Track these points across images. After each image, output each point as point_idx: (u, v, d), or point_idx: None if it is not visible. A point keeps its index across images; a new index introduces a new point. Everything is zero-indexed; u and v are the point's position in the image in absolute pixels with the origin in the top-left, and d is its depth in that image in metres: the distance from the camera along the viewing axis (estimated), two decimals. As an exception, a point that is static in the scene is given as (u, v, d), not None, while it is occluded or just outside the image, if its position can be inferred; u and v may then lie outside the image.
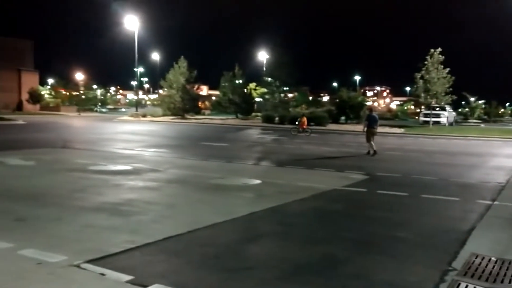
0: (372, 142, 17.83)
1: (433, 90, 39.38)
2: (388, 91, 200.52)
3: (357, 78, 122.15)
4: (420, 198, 9.17)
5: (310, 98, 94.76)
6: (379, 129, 35.63)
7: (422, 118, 47.09)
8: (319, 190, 9.59)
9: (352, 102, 45.98)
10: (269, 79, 53.73)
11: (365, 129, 18.29)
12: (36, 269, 4.63)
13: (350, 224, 7.08)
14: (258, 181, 10.48)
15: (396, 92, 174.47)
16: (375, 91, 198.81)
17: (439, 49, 38.83)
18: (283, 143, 22.74)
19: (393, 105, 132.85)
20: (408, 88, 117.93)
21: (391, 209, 8.24)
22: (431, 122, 41.70)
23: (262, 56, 65.26)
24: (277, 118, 43.56)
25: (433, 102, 41.15)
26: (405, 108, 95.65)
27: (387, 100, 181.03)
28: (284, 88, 53.96)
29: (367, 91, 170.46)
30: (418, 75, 39.77)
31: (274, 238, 6.22)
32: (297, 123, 30.93)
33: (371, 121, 18.42)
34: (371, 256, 5.49)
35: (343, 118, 46.17)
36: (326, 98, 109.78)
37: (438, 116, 44.66)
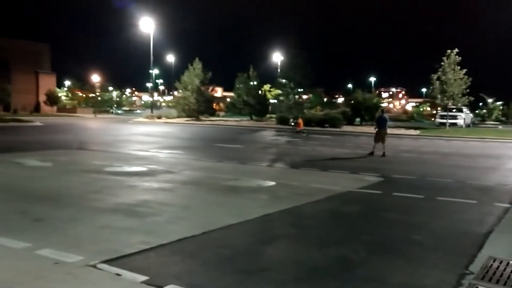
0: (384, 144, 17.79)
1: (450, 92, 38.98)
2: (403, 92, 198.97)
3: (373, 79, 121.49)
4: (436, 201, 9.07)
5: (325, 99, 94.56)
6: (395, 131, 35.49)
7: (438, 120, 46.62)
8: (334, 192, 9.55)
9: (367, 103, 45.78)
10: (284, 80, 53.70)
11: (376, 130, 18.25)
12: (54, 269, 4.68)
13: (365, 226, 7.03)
14: (272, 183, 10.47)
15: (412, 93, 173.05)
16: (391, 93, 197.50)
17: (456, 50, 38.44)
18: (298, 145, 22.69)
19: (409, 107, 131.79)
20: (424, 90, 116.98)
21: (406, 211, 8.17)
22: (447, 124, 41.26)
23: (277, 57, 65.36)
24: (291, 120, 43.49)
25: (449, 104, 40.72)
26: (421, 109, 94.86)
27: (403, 101, 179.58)
28: (299, 90, 53.84)
29: (382, 93, 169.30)
30: (435, 76, 39.42)
31: (288, 240, 6.21)
32: (293, 124, 31.17)
33: (382, 122, 18.38)
34: (387, 259, 5.45)
35: (358, 119, 45.96)
36: (341, 100, 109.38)
37: (454, 117, 44.17)
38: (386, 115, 19.21)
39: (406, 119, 64.87)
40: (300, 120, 31.37)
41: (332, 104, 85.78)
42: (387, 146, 18.06)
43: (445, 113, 43.14)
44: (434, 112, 71.28)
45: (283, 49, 59.44)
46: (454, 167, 14.86)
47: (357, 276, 4.86)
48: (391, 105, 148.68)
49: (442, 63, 38.81)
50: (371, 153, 17.72)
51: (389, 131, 36.16)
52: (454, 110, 44.24)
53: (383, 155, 17.47)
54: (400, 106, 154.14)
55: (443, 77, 38.92)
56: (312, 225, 6.98)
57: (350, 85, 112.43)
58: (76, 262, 4.86)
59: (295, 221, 7.16)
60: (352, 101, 48.76)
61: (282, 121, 43.95)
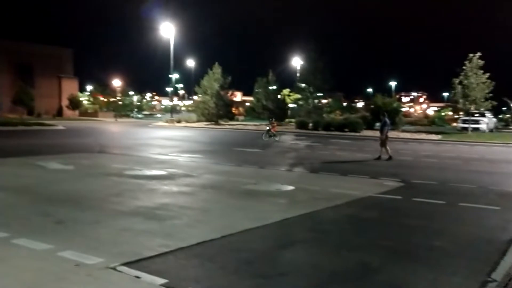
0: (382, 148, 17.95)
1: (472, 96, 38.34)
2: (424, 96, 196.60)
3: (393, 83, 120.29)
4: (458, 207, 8.93)
5: (345, 104, 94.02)
6: (415, 136, 35.07)
7: (460, 125, 45.86)
8: (353, 197, 9.48)
9: (387, 108, 45.30)
10: (303, 85, 53.61)
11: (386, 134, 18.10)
12: (75, 270, 4.75)
13: (385, 232, 6.96)
14: (291, 187, 10.45)
15: (433, 97, 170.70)
16: (411, 97, 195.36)
17: (479, 54, 37.83)
18: (317, 149, 22.60)
19: (430, 111, 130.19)
20: (446, 94, 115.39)
21: (427, 217, 8.06)
22: (470, 129, 40.61)
23: (296, 62, 65.28)
24: (310, 124, 43.37)
25: (472, 108, 40.08)
26: (443, 114, 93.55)
27: (424, 106, 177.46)
28: (318, 94, 53.67)
29: (403, 97, 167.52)
30: (457, 81, 38.83)
31: (307, 245, 6.18)
32: (267, 128, 29.22)
33: (387, 125, 18.47)
34: (407, 265, 5.38)
35: (378, 124, 45.53)
36: (360, 104, 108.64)
37: (477, 122, 43.41)
38: (386, 119, 18.81)
39: (427, 124, 64.07)
40: (274, 123, 30.27)
41: (352, 109, 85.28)
42: (386, 150, 17.86)
43: (467, 118, 42.42)
44: (456, 116, 70.23)
45: (303, 53, 59.39)
46: (477, 173, 14.61)
47: (377, 282, 4.81)
48: (411, 110, 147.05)
49: (464, 67, 38.22)
50: (387, 158, 17.55)
51: (409, 135, 35.91)
52: (476, 115, 43.48)
53: (378, 158, 17.52)
54: (421, 111, 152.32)
55: (465, 81, 38.30)
56: (331, 230, 6.95)
57: (370, 90, 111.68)
58: (96, 264, 4.93)
59: (314, 226, 7.13)
60: (372, 106, 48.32)
61: (302, 125, 43.86)
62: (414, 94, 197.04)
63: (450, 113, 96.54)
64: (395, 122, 42.11)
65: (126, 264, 4.94)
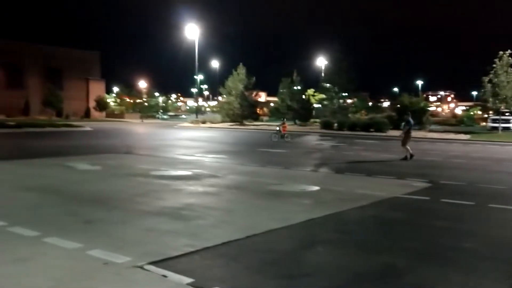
0: (403, 147, 17.79)
1: (502, 95, 37.47)
2: (452, 95, 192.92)
3: (420, 82, 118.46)
4: (488, 208, 8.73)
5: (370, 103, 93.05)
6: (443, 136, 34.49)
7: (490, 124, 44.89)
8: (379, 198, 9.37)
9: (414, 107, 44.64)
10: (328, 85, 53.31)
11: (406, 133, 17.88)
12: (103, 269, 4.84)
13: (412, 233, 6.86)
14: (316, 188, 10.41)
15: (462, 96, 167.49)
16: (439, 96, 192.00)
17: (509, 52, 36.94)
18: (342, 150, 22.44)
19: (458, 110, 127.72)
20: (475, 93, 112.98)
21: (456, 218, 7.91)
22: (500, 128, 39.66)
23: (321, 61, 64.95)
24: (335, 124, 43.08)
25: (502, 107, 39.14)
26: (472, 113, 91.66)
27: (452, 105, 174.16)
28: (343, 94, 53.30)
29: (430, 96, 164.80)
30: (486, 79, 38.00)
31: (332, 246, 6.14)
32: (278, 129, 28.47)
33: (410, 125, 18.27)
34: (435, 267, 5.29)
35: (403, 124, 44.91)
36: (386, 104, 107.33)
37: (508, 121, 42.42)
38: (409, 118, 18.54)
39: (456, 123, 62.87)
40: (285, 124, 29.54)
41: (378, 108, 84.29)
42: (406, 149, 17.64)
43: (497, 117, 41.48)
44: (486, 116, 68.71)
45: (328, 53, 59.06)
46: (507, 174, 14.27)
47: (404, 284, 4.75)
48: (439, 109, 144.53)
49: (494, 65, 37.37)
50: (407, 157, 17.37)
51: (437, 135, 35.32)
52: (507, 114, 42.49)
53: (405, 158, 17.31)
54: (448, 110, 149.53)
55: (495, 80, 37.44)
56: (356, 231, 6.88)
57: (396, 89, 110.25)
58: (124, 263, 5.01)
59: (339, 227, 7.09)
60: (398, 105, 47.68)
61: (326, 125, 43.63)
62: (442, 93, 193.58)
63: (479, 112, 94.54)
64: (422, 122, 41.50)
65: (153, 263, 5.00)
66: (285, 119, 31.10)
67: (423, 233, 6.89)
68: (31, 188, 9.52)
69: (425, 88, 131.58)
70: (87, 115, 69.19)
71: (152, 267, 4.89)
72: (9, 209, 7.58)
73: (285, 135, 27.48)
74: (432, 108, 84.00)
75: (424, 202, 9.25)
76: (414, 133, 35.91)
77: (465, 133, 38.07)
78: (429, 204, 9.07)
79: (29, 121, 43.41)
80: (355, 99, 64.45)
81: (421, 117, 42.60)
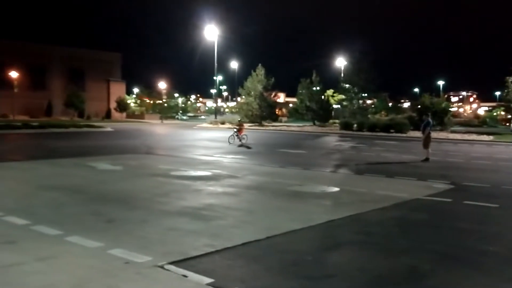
0: (425, 149, 17.62)
1: (527, 95, 36.70)
2: (475, 96, 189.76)
3: (441, 82, 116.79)
4: (513, 210, 8.55)
5: (390, 104, 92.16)
6: (466, 137, 33.92)
7: (513, 125, 44.02)
8: (401, 199, 9.25)
9: (435, 108, 44.07)
10: (347, 85, 52.97)
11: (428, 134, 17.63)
12: (124, 268, 4.88)
13: (434, 235, 6.75)
14: (336, 189, 10.33)
15: (485, 97, 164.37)
16: (461, 96, 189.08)
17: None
18: (362, 151, 22.25)
19: (481, 111, 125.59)
20: (498, 93, 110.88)
21: (479, 221, 7.77)
22: (524, 129, 38.84)
23: (340, 62, 64.54)
24: (355, 125, 42.76)
25: (526, 108, 38.35)
26: (495, 114, 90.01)
27: (474, 105, 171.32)
28: (363, 95, 52.88)
29: (451, 97, 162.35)
30: (510, 79, 37.28)
31: (353, 247, 6.08)
32: (235, 130, 25.00)
33: (430, 126, 18.09)
34: (458, 270, 5.20)
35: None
36: (406, 104, 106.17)
37: (532, 122, 41.51)
38: (429, 119, 18.33)
39: (478, 124, 61.84)
40: (242, 125, 25.57)
41: (398, 109, 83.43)
42: (429, 151, 17.51)
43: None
44: (510, 116, 67.33)
45: (347, 53, 58.69)
46: (532, 175, 13.94)
47: (427, 287, 4.67)
48: (461, 110, 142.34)
49: (518, 65, 36.62)
50: (428, 159, 17.16)
51: (459, 136, 34.78)
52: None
53: (427, 159, 17.09)
54: (471, 111, 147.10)
55: (519, 80, 36.71)
56: (377, 233, 6.81)
57: (416, 89, 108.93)
58: (145, 262, 5.04)
59: (360, 228, 7.02)
60: (419, 106, 47.08)
61: (346, 126, 43.33)
62: (464, 93, 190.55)
63: (503, 113, 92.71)
64: (443, 122, 40.92)
65: (174, 263, 5.02)
66: (241, 120, 26.22)
67: (446, 235, 6.78)
68: (54, 188, 9.67)
69: (447, 89, 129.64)
70: (108, 116, 70.02)
71: (172, 267, 4.91)
72: (33, 208, 7.70)
73: (242, 137, 24.51)
74: (454, 109, 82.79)
75: (447, 204, 9.10)
76: (436, 134, 35.49)
77: (488, 134, 37.38)
78: (451, 206, 8.92)
79: (52, 121, 44.16)
80: (375, 100, 63.91)
81: (442, 118, 42.02)
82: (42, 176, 11.48)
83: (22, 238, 5.91)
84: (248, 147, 22.35)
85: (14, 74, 63.85)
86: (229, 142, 24.02)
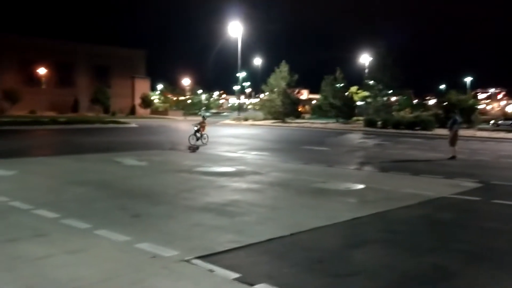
0: (451, 147, 17.39)
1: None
2: (504, 93, 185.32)
3: (468, 79, 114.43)
4: (543, 210, 8.35)
5: (415, 101, 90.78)
6: (494, 135, 33.23)
7: (543, 123, 42.91)
8: (427, 198, 9.13)
9: (462, 105, 43.25)
10: (372, 82, 52.39)
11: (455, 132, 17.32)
12: (151, 262, 4.95)
13: (461, 234, 6.65)
14: (361, 186, 10.26)
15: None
16: (489, 93, 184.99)
17: None
18: (386, 148, 22.01)
19: (510, 108, 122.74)
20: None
21: (508, 220, 7.62)
22: (554, 127, 37.81)
23: (365, 58, 63.89)
24: (379, 122, 42.30)
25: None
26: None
27: (502, 103, 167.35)
28: (387, 91, 52.22)
29: (479, 94, 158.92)
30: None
31: (379, 245, 6.03)
32: (196, 128, 21.14)
33: (458, 123, 17.78)
34: (487, 270, 5.11)
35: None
36: (432, 102, 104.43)
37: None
38: (456, 117, 18.02)
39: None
40: (204, 122, 21.86)
41: (423, 106, 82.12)
42: (455, 149, 17.23)
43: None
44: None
45: (372, 50, 57.95)
46: None
47: (455, 287, 4.61)
48: (489, 107, 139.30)
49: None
50: (455, 157, 16.86)
51: (487, 134, 34.10)
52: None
53: (453, 157, 16.81)
54: (499, 108, 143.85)
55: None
56: (403, 231, 6.74)
57: (442, 86, 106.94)
58: (171, 256, 5.10)
59: (386, 226, 6.96)
60: (445, 103, 46.27)
61: (370, 123, 42.91)
62: (492, 90, 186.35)
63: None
64: (470, 120, 40.14)
65: (200, 257, 5.07)
66: (204, 116, 23.00)
67: (473, 234, 6.68)
68: (82, 182, 9.86)
69: (474, 85, 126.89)
70: (132, 112, 70.86)
71: (199, 262, 4.96)
72: (62, 202, 7.88)
73: (203, 136, 21.06)
74: (481, 106, 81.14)
75: (475, 202, 8.94)
76: (462, 132, 34.85)
77: (517, 132, 36.52)
78: (479, 205, 8.77)
79: (78, 117, 44.98)
80: (400, 97, 63.01)
81: (469, 115, 41.21)
82: (70, 171, 11.72)
83: (52, 231, 6.05)
84: (205, 145, 20.04)
85: (42, 71, 65.27)
86: (189, 142, 20.44)
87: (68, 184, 9.73)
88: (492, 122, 43.92)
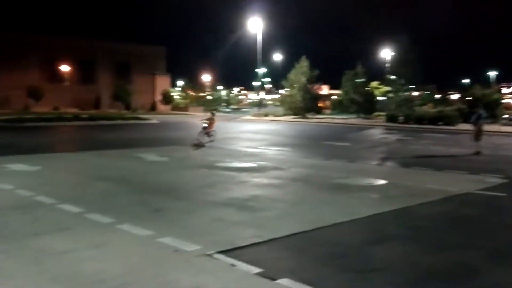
0: (476, 142, 17.13)
1: None
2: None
3: (492, 73, 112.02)
4: None
5: (438, 96, 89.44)
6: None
7: None
8: (450, 193, 8.98)
9: (487, 100, 42.38)
10: (393, 77, 51.75)
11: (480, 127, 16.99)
12: (173, 256, 4.99)
13: (486, 231, 6.52)
14: (383, 182, 10.14)
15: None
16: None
17: None
18: (408, 144, 21.72)
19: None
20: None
21: (536, 217, 7.43)
22: None
23: (386, 53, 63.09)
24: (401, 118, 41.76)
25: None
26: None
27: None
28: (409, 86, 51.52)
29: (504, 88, 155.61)
30: None
31: (401, 241, 5.96)
32: (204, 125, 19.93)
33: (482, 118, 17.56)
34: (511, 268, 5.00)
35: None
36: (455, 96, 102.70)
37: None
38: (480, 111, 17.70)
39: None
40: (214, 118, 20.78)
41: (446, 101, 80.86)
42: (480, 144, 16.96)
43: None
44: None
45: (394, 44, 57.18)
46: None
47: (479, 284, 4.53)
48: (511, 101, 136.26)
49: None
50: (479, 152, 16.53)
51: (510, 129, 33.34)
52: None
53: (478, 153, 16.43)
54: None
55: None
56: (426, 227, 6.63)
57: (466, 81, 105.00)
58: (193, 251, 5.13)
59: (408, 222, 6.87)
60: (470, 98, 45.41)
61: (391, 119, 42.39)
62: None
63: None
64: (495, 115, 39.32)
65: (222, 252, 5.09)
66: (214, 113, 21.79)
67: (498, 231, 6.54)
68: (105, 178, 9.99)
69: (499, 80, 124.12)
70: (153, 108, 71.44)
71: (221, 256, 4.98)
72: (86, 197, 8.00)
73: (210, 133, 19.79)
74: (506, 101, 79.37)
75: (500, 199, 8.75)
76: (487, 127, 34.18)
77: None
78: (505, 201, 8.58)
79: (100, 114, 45.51)
80: (422, 92, 62.13)
81: (494, 110, 40.36)
82: (93, 167, 11.88)
83: (76, 225, 6.14)
84: (213, 142, 18.90)
85: (65, 69, 66.27)
86: (198, 139, 19.17)
87: (91, 179, 9.87)
88: (505, 116, 42.94)
